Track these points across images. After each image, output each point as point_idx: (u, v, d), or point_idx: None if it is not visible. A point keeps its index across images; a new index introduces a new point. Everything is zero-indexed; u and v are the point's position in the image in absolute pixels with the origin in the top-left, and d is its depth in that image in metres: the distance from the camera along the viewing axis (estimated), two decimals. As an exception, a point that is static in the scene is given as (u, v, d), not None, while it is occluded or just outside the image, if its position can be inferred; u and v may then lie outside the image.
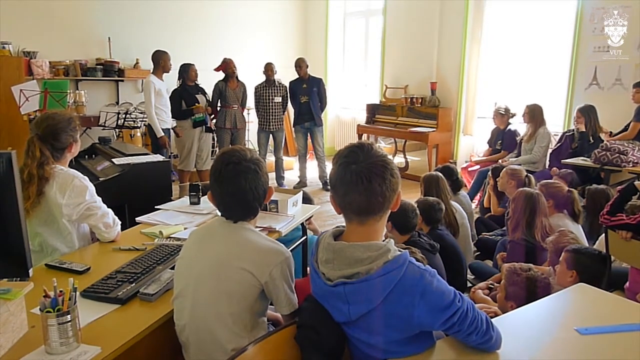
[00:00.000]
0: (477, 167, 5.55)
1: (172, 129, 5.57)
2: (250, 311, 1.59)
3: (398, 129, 7.08)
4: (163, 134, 5.28)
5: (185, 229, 2.43)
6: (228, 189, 1.63)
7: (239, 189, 1.62)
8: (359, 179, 1.27)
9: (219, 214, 1.70)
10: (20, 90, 4.63)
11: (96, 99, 6.53)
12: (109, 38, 6.59)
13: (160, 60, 5.30)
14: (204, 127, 5.66)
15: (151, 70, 5.41)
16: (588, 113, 4.85)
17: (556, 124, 5.68)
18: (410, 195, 4.66)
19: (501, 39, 6.47)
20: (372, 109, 7.59)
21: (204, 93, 5.73)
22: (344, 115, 8.69)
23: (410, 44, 7.22)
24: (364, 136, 7.61)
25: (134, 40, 6.76)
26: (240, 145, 6.28)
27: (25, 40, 5.93)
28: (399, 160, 7.34)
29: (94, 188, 2.27)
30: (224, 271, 1.57)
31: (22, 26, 5.91)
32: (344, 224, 1.40)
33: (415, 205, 2.92)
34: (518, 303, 2.09)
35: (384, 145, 8.05)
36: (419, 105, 6.91)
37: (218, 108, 5.95)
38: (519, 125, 5.56)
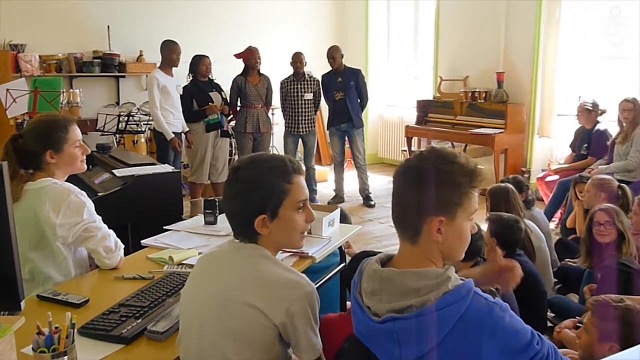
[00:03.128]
0: (557, 177, 5.44)
1: (185, 133, 5.66)
2: (267, 357, 1.55)
3: (456, 131, 7.03)
4: (173, 135, 5.40)
5: (199, 253, 2.46)
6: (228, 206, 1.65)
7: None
8: (398, 183, 1.36)
9: None
10: (7, 90, 4.80)
11: (93, 98, 6.73)
12: (108, 27, 6.77)
13: (167, 53, 5.42)
14: (219, 131, 5.74)
15: (158, 64, 5.54)
16: None
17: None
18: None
19: (585, 18, 6.35)
20: (424, 107, 7.57)
21: (219, 90, 5.81)
22: (389, 114, 8.68)
23: (470, 28, 7.18)
24: (414, 139, 7.58)
25: (138, 29, 6.94)
26: (265, 152, 6.30)
27: (12, 32, 6.16)
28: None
29: (92, 205, 2.33)
30: (226, 307, 1.55)
31: (8, 16, 6.14)
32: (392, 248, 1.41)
33: (488, 222, 2.88)
34: (619, 344, 2.01)
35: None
36: (482, 100, 6.85)
37: (238, 108, 6.05)
38: (609, 124, 5.43)
